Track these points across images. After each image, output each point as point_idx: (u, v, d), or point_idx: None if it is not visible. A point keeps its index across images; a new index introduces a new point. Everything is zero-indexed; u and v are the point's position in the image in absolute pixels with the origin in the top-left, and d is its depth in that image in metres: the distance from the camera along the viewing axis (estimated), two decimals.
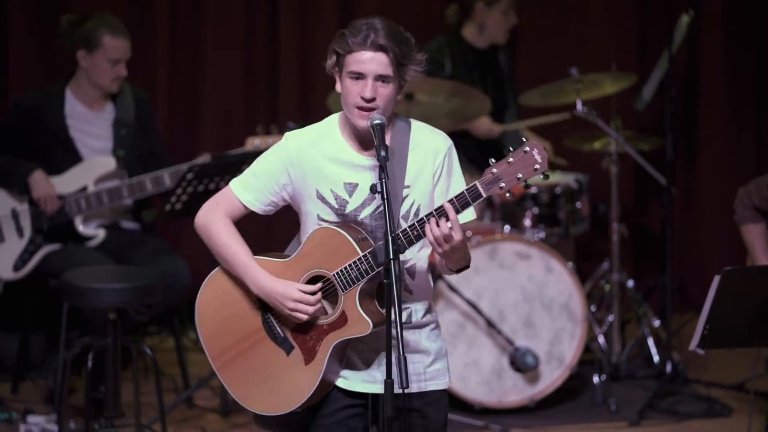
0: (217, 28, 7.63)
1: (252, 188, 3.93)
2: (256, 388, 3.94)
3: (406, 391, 3.71)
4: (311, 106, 7.60)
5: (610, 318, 6.88)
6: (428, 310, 3.97)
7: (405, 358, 3.63)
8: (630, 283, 6.97)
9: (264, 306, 3.94)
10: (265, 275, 3.88)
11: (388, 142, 3.85)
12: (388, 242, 3.67)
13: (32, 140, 6.32)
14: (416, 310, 3.94)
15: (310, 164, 3.87)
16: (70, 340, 6.09)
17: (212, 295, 4.00)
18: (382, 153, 3.73)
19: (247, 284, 3.91)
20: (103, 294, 5.49)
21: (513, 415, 6.33)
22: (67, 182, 6.30)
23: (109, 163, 6.35)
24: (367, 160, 3.86)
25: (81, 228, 6.33)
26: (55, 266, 6.18)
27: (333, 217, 3.87)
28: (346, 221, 3.86)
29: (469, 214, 3.84)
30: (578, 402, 6.56)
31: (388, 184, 3.72)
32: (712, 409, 6.37)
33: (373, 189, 3.75)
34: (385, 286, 3.68)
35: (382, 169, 3.73)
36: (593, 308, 6.84)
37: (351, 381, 3.93)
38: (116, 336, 5.47)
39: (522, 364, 6.31)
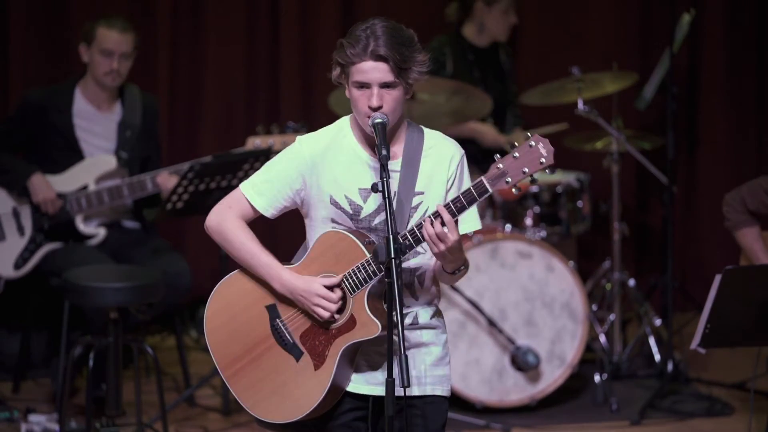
0: (217, 28, 7.63)
1: (265, 193, 3.92)
2: (267, 397, 3.92)
3: (407, 391, 3.72)
4: (312, 105, 7.60)
5: (612, 317, 6.87)
6: (434, 314, 3.97)
7: (407, 357, 3.63)
8: (631, 282, 6.97)
9: (272, 313, 3.92)
10: (288, 272, 3.87)
11: (401, 148, 3.87)
12: (389, 241, 3.68)
13: (37, 136, 6.33)
14: (421, 313, 3.94)
15: (325, 169, 3.87)
16: (72, 341, 6.09)
17: (219, 306, 3.98)
18: (383, 152, 3.73)
19: (270, 282, 3.88)
20: (105, 293, 5.49)
21: (514, 414, 6.33)
22: (67, 181, 6.31)
23: (110, 162, 6.36)
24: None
25: (81, 227, 6.33)
26: (55, 265, 6.19)
27: (347, 222, 3.87)
28: (359, 228, 3.86)
29: (473, 224, 3.86)
30: (579, 401, 6.56)
31: (389, 182, 3.72)
32: (713, 408, 6.37)
33: (374, 188, 3.74)
34: (390, 285, 3.67)
35: (383, 167, 3.73)
36: (594, 307, 6.84)
37: (355, 383, 3.92)
38: (117, 335, 5.48)
39: (523, 363, 6.31)
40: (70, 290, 5.61)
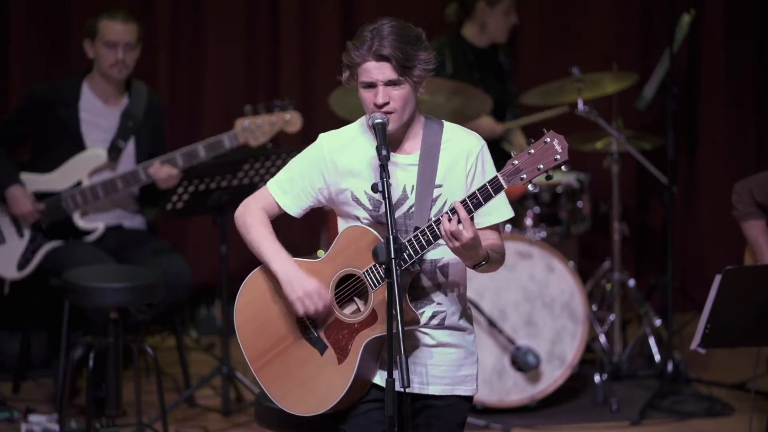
0: (217, 28, 7.64)
1: (289, 192, 3.97)
2: (293, 390, 3.96)
3: (417, 390, 3.83)
4: (312, 105, 7.60)
5: (612, 317, 6.88)
6: (462, 315, 3.98)
7: (406, 357, 3.64)
8: (631, 282, 6.97)
9: None
10: (292, 262, 3.90)
11: (418, 142, 3.91)
12: (389, 241, 3.70)
13: (40, 131, 6.32)
14: (450, 313, 3.95)
15: (344, 167, 3.91)
16: (72, 341, 6.09)
17: (247, 300, 4.02)
18: (383, 152, 3.76)
19: (273, 269, 3.91)
20: (105, 293, 5.50)
21: (514, 414, 6.33)
22: (60, 178, 6.30)
23: (100, 156, 6.33)
24: (398, 159, 3.89)
25: (80, 223, 6.32)
26: (56, 264, 6.19)
27: (369, 219, 3.90)
28: (380, 223, 3.88)
29: (503, 212, 3.88)
30: (579, 401, 6.56)
31: (389, 183, 3.75)
32: (714, 409, 6.37)
33: (374, 188, 3.77)
34: (390, 285, 3.68)
35: (383, 168, 3.75)
36: (594, 307, 6.84)
37: (379, 376, 3.93)
38: (118, 335, 5.48)
39: (523, 363, 6.31)
40: (71, 290, 5.61)
